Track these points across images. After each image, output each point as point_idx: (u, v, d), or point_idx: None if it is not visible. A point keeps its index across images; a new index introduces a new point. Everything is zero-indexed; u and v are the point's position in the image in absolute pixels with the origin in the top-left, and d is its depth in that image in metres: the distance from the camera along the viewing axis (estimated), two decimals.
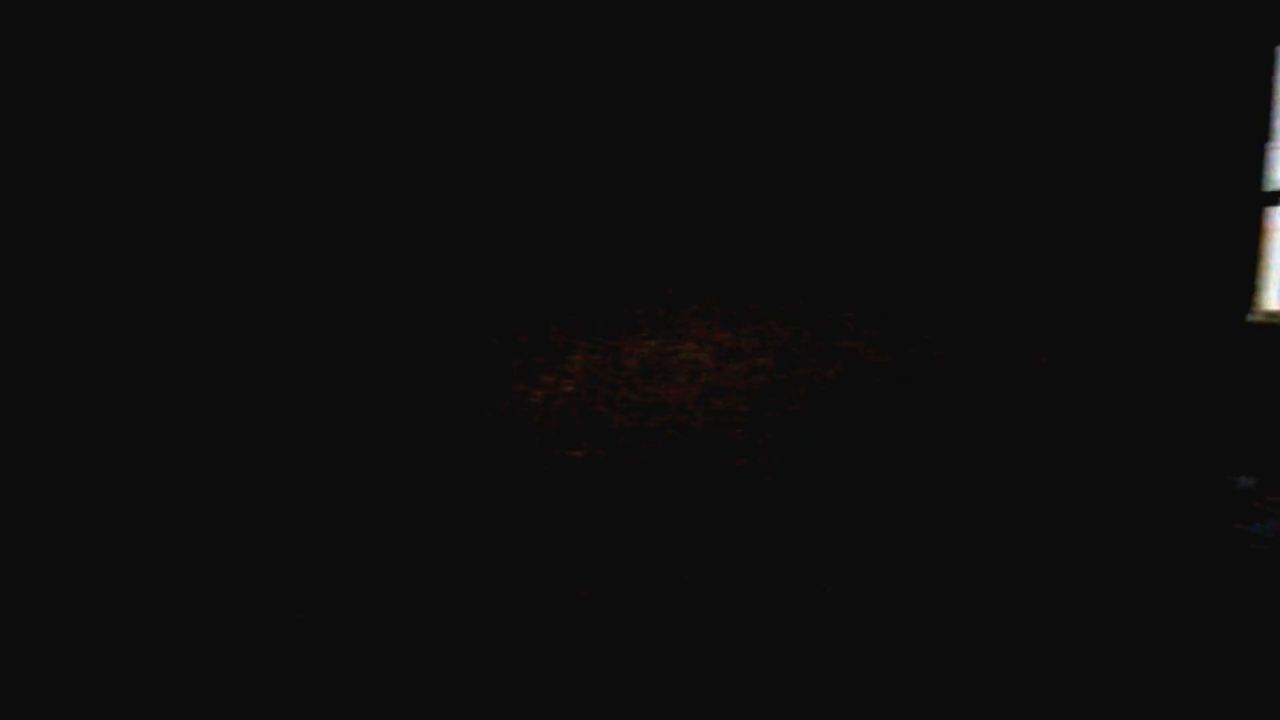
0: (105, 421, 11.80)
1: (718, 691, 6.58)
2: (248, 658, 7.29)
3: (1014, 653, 7.33)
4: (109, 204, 12.35)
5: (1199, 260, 30.75)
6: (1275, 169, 23.95)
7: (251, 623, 7.69)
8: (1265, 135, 27.76)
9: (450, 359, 20.69)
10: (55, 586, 7.74)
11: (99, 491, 10.81)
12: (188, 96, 12.88)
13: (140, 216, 12.59)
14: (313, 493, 11.08)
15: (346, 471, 12.22)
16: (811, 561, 9.11)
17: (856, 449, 13.40)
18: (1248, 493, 11.65)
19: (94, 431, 11.33)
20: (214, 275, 12.78)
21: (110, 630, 7.10)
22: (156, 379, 12.81)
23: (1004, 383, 18.72)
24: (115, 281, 12.50)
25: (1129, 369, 21.18)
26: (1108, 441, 13.91)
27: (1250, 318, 27.41)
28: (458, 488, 11.23)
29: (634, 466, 12.24)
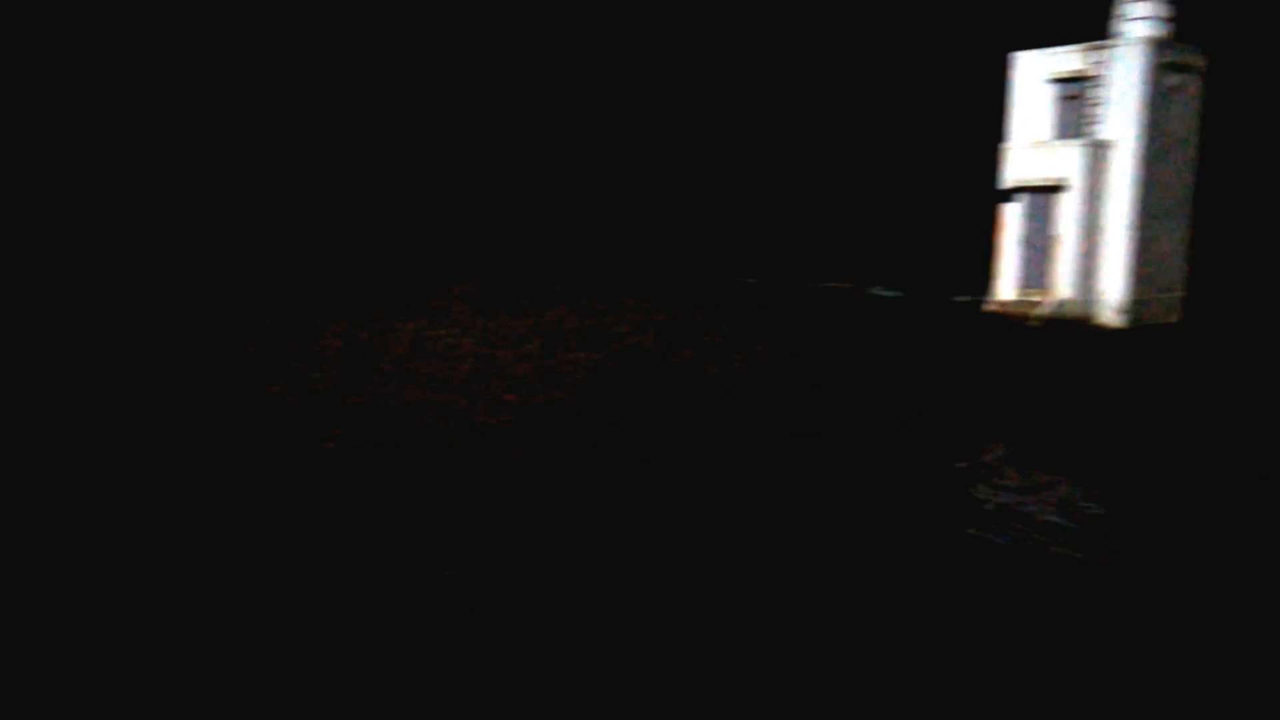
0: None
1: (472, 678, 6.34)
2: None
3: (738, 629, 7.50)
4: None
5: (939, 252, 32.77)
6: (1006, 169, 25.94)
7: None
8: (999, 137, 29.70)
9: (191, 348, 19.16)
10: None
11: None
12: None
13: None
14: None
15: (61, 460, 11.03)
16: (578, 552, 8.99)
17: (627, 436, 13.41)
18: (996, 462, 12.46)
19: None
20: None
21: None
22: None
23: (769, 369, 19.29)
24: None
25: (875, 350, 22.26)
26: (856, 416, 14.55)
27: (986, 306, 29.30)
28: (201, 482, 10.35)
29: (393, 456, 11.70)
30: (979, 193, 28.05)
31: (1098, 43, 24.97)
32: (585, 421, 14.20)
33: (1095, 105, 24.71)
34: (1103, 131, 24.64)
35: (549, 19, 47.87)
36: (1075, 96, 25.34)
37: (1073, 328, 24.86)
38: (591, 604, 7.62)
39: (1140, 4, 24.56)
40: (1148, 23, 24.52)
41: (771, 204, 43.26)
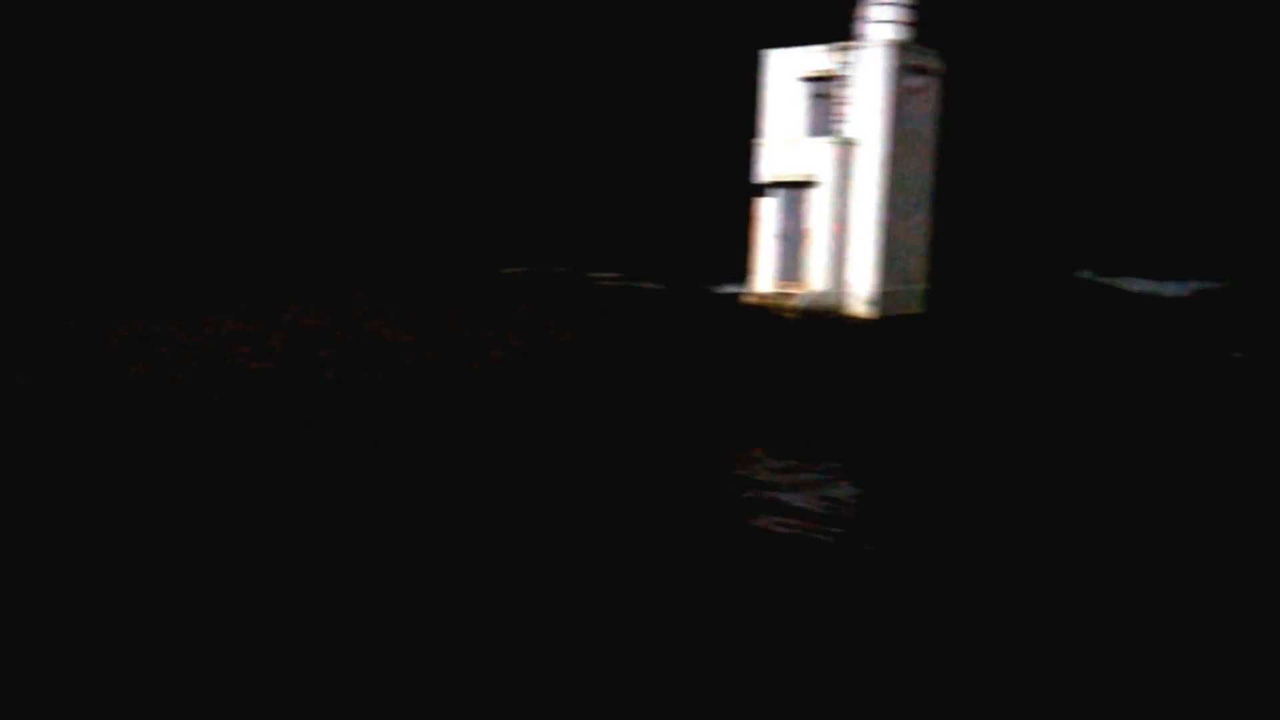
0: None
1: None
2: None
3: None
4: None
5: (697, 244, 33.89)
6: (761, 164, 27.08)
7: None
8: (753, 132, 31.04)
9: None
10: None
11: None
12: None
13: None
14: None
15: None
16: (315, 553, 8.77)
17: (383, 435, 13.16)
18: (754, 450, 13.01)
19: None
20: None
21: None
22: None
23: (528, 363, 19.36)
24: None
25: (635, 342, 22.78)
26: (614, 407, 14.86)
27: (745, 298, 30.48)
28: None
29: (96, 465, 11.03)
30: (739, 186, 29.19)
31: (843, 43, 26.51)
32: (327, 421, 13.81)
33: (842, 104, 26.24)
34: (850, 130, 26.23)
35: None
36: (825, 95, 26.82)
37: (826, 319, 26.30)
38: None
39: (882, 7, 26.26)
40: (889, 26, 26.24)
41: (537, 196, 43.45)
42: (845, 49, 26.31)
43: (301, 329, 22.57)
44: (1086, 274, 36.42)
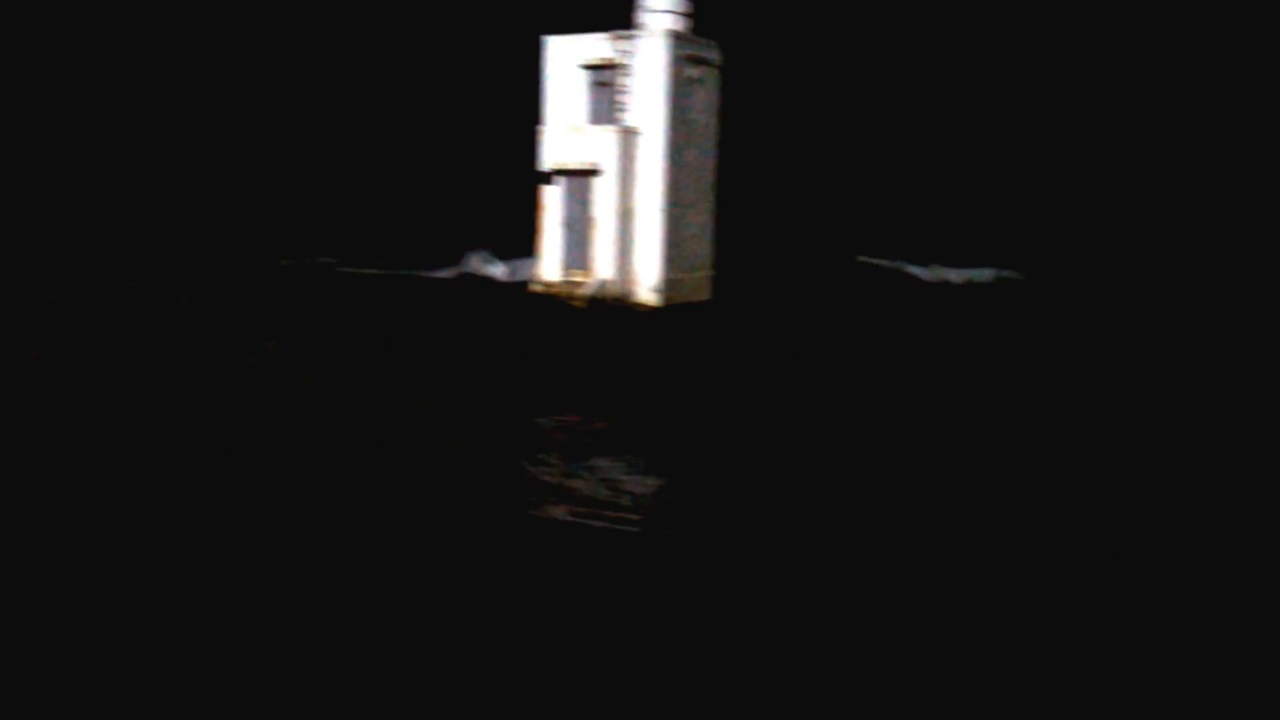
0: None
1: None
2: None
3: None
4: None
5: (483, 233, 33.78)
6: (545, 151, 27.21)
7: None
8: (536, 119, 31.08)
9: None
10: None
11: None
12: None
13: None
14: None
15: None
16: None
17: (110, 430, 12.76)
18: (545, 439, 13.29)
19: None
20: None
21: None
22: None
23: (300, 358, 18.99)
24: None
25: (419, 333, 22.64)
26: (398, 398, 14.88)
27: (531, 287, 30.57)
28: None
29: None
30: (525, 174, 29.31)
31: (622, 32, 27.06)
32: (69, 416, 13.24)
33: (624, 93, 26.81)
34: (631, 119, 26.82)
35: None
36: (606, 84, 27.30)
37: (614, 307, 26.86)
38: None
39: None
40: (668, 16, 26.98)
41: (313, 186, 42.21)
42: (625, 38, 26.86)
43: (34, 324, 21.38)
44: (874, 260, 38.21)
